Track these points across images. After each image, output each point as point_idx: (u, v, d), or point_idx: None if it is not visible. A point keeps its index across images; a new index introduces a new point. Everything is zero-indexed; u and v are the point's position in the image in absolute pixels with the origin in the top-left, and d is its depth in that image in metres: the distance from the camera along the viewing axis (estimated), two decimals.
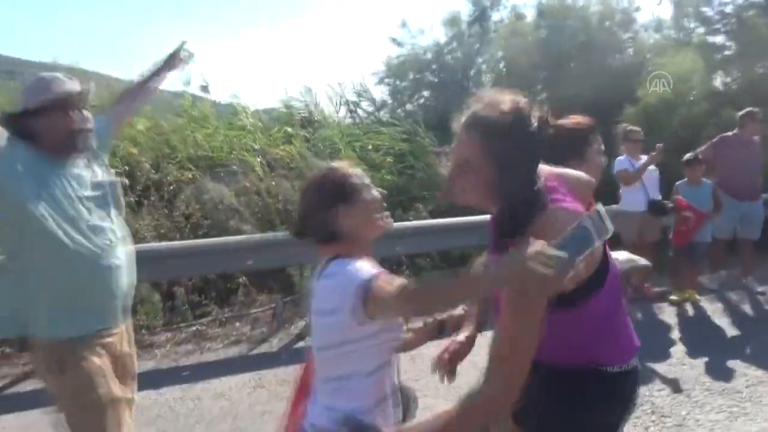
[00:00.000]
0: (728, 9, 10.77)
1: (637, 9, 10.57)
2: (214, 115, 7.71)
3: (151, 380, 3.92)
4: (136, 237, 5.31)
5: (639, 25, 10.92)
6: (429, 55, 10.53)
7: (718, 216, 5.48)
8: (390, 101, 10.87)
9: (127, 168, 5.91)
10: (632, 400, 1.59)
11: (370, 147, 7.86)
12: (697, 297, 5.56)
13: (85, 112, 2.18)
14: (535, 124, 1.37)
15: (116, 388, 2.18)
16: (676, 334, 4.84)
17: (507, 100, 1.38)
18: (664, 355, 4.31)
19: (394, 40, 10.74)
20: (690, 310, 5.42)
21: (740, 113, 5.83)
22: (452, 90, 10.25)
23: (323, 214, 1.53)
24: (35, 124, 2.08)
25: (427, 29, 10.67)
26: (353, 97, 10.04)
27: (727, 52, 10.85)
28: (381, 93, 10.83)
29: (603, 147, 2.20)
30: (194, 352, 4.71)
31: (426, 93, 10.74)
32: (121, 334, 2.34)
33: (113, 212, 2.27)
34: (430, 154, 7.54)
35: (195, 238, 5.57)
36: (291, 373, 4.16)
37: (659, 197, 5.52)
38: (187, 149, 6.81)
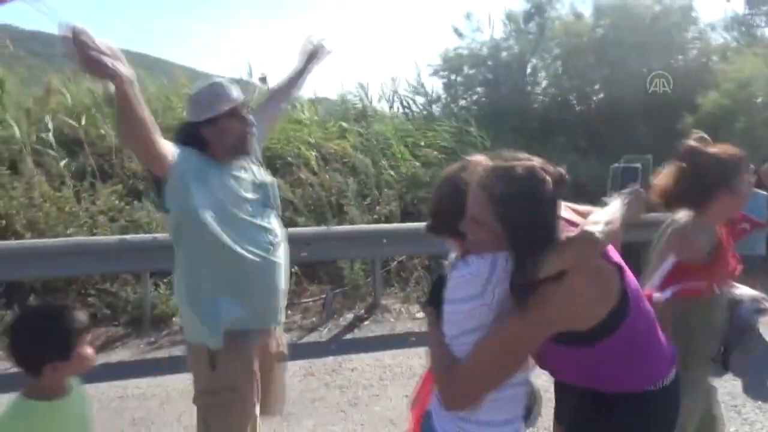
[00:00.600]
0: None
1: (691, 8, 10.10)
2: None
3: None
4: None
5: (705, 24, 10.50)
6: (485, 51, 10.44)
7: None
8: (444, 95, 10.85)
9: None
10: (675, 412, 1.62)
11: (422, 143, 7.93)
12: None
13: (249, 117, 2.25)
14: (549, 187, 1.37)
15: (256, 397, 2.19)
16: None
17: (521, 165, 1.39)
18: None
19: (456, 31, 10.66)
20: None
21: None
22: (507, 87, 10.18)
23: (460, 208, 1.50)
24: (207, 132, 2.13)
25: (486, 24, 10.40)
26: (407, 92, 10.10)
27: None
28: (435, 86, 10.83)
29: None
30: None
31: (480, 89, 10.67)
32: (279, 334, 2.41)
33: (272, 213, 2.30)
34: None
35: None
36: (340, 362, 4.34)
37: None
38: None
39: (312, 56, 2.72)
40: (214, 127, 2.12)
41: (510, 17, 10.44)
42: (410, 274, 6.20)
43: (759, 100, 8.38)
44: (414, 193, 6.97)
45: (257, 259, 2.12)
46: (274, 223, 2.27)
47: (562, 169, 1.42)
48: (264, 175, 2.35)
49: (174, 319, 5.06)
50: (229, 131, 2.14)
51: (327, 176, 6.73)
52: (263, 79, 8.25)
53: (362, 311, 5.47)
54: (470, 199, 1.45)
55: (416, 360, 4.28)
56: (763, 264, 5.50)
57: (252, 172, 2.28)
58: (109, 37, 1.72)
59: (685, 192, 2.05)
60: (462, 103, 10.72)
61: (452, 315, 1.50)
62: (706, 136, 5.76)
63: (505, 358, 1.44)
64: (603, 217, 1.44)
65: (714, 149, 2.09)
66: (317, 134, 7.53)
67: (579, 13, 10.50)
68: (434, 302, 1.59)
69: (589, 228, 1.38)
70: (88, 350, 1.66)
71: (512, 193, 1.37)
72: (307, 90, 9.77)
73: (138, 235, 5.23)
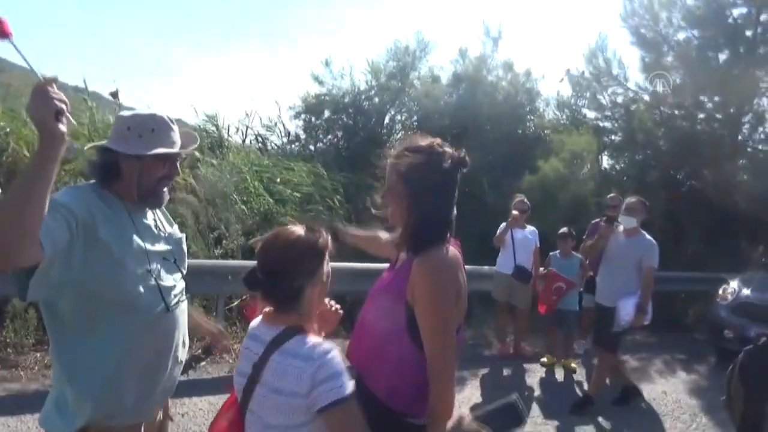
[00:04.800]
0: (619, 99, 12.00)
1: (533, 89, 11.50)
2: None
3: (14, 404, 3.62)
4: None
5: (542, 99, 11.90)
6: (347, 99, 10.72)
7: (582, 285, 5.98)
8: (303, 136, 10.90)
9: None
10: None
11: (278, 180, 7.85)
12: (573, 366, 5.94)
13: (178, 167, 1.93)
14: (449, 162, 1.62)
15: None
16: (538, 394, 5.20)
17: (426, 141, 1.66)
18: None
19: (316, 78, 10.84)
20: (557, 372, 5.82)
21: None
22: (365, 134, 10.50)
23: (296, 281, 1.49)
24: (127, 166, 1.78)
25: (347, 73, 10.67)
26: (262, 129, 10.03)
27: (614, 137, 12.04)
28: (295, 127, 10.84)
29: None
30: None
31: (339, 133, 10.89)
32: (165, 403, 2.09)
33: (178, 270, 1.98)
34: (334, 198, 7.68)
35: None
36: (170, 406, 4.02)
37: (529, 263, 5.95)
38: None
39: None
40: (139, 164, 1.79)
41: (374, 70, 10.85)
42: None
43: (584, 171, 9.57)
44: (265, 230, 6.83)
45: (151, 329, 1.80)
46: (178, 280, 1.96)
47: (461, 153, 1.65)
48: (172, 228, 2.04)
49: None
50: (152, 173, 1.82)
51: (171, 207, 6.38)
52: (114, 94, 7.75)
53: (199, 351, 5.14)
54: (387, 171, 1.66)
55: None
56: (575, 318, 6.12)
57: (158, 220, 1.96)
58: None
59: None
60: (320, 145, 10.85)
61: (275, 403, 1.46)
62: (521, 198, 6.46)
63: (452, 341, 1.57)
64: None
65: None
66: None
67: (437, 76, 11.27)
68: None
69: None
70: None
71: (416, 160, 1.61)
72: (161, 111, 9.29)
73: None
